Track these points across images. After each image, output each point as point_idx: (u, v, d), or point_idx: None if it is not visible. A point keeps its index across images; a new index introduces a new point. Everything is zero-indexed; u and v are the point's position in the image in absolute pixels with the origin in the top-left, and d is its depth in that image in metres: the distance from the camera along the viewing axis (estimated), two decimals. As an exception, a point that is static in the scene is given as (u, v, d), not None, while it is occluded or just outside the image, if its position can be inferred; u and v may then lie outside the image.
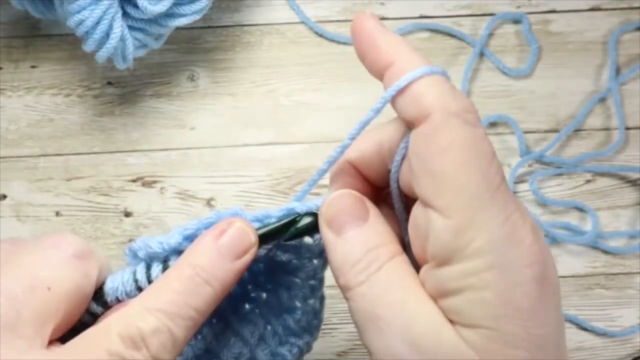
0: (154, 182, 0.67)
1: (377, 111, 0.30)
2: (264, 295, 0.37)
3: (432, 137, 0.28)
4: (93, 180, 0.67)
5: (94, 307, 0.33)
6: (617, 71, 0.69)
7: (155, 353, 0.28)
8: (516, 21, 0.71)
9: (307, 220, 0.32)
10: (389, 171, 0.32)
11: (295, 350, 0.36)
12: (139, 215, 0.66)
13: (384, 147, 0.32)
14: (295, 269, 0.36)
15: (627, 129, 0.68)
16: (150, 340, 0.28)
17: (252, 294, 0.37)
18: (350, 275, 0.30)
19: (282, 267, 0.36)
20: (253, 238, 0.32)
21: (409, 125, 0.29)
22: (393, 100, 0.29)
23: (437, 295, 0.28)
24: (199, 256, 0.31)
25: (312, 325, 0.37)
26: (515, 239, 0.27)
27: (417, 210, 0.30)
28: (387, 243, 0.31)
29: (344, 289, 0.30)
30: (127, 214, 0.66)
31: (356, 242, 0.30)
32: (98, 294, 0.33)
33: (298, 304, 0.36)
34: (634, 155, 0.68)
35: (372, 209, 0.32)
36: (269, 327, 0.37)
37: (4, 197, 0.66)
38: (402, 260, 0.30)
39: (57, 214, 0.66)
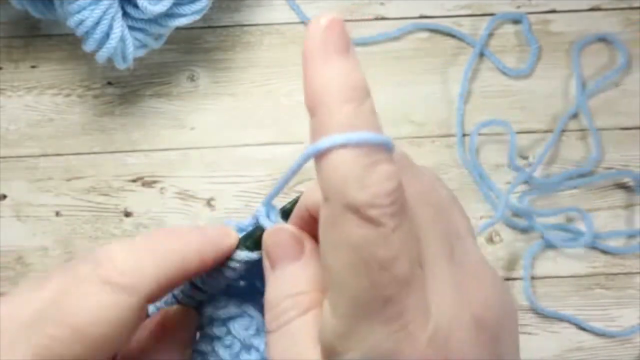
0: (154, 182, 0.67)
1: (293, 172, 0.28)
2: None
3: (328, 226, 0.24)
4: (93, 180, 0.67)
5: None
6: (584, 85, 0.69)
7: None
8: (516, 21, 0.71)
9: None
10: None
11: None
12: (139, 215, 0.66)
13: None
14: None
15: (627, 129, 0.68)
16: None
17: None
18: (268, 317, 0.28)
19: None
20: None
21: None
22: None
23: None
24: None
25: None
26: (396, 356, 0.24)
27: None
28: (310, 291, 0.28)
29: (266, 324, 0.29)
30: (127, 214, 0.66)
31: (282, 282, 0.28)
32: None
33: None
34: (633, 155, 0.68)
35: (309, 249, 0.29)
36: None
37: (4, 197, 0.66)
38: (316, 316, 0.27)
39: (57, 214, 0.66)
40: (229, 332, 0.33)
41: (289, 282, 0.28)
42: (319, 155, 0.23)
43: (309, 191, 0.30)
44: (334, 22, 0.24)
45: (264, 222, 0.31)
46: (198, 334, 0.33)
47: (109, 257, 0.28)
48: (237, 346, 0.32)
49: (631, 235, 0.66)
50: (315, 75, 0.24)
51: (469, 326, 0.25)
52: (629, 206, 0.67)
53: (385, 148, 0.24)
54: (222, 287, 0.33)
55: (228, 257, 0.32)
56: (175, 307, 0.32)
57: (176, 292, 0.33)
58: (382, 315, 0.24)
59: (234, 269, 0.32)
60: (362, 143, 0.23)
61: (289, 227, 0.30)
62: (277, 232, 0.30)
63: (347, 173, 0.23)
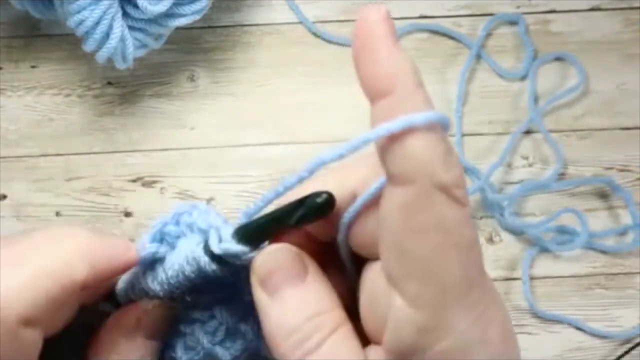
0: (154, 182, 0.67)
1: (353, 149, 0.25)
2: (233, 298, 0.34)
3: (412, 209, 0.23)
4: (93, 180, 0.67)
5: (105, 307, 0.31)
6: (536, 101, 0.69)
7: None
8: (513, 22, 0.71)
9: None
10: (338, 224, 0.27)
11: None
12: (139, 215, 0.66)
13: (339, 195, 0.27)
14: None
15: (627, 129, 0.68)
16: None
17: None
18: (286, 347, 0.25)
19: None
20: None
21: (389, 180, 0.24)
22: (378, 142, 0.24)
23: None
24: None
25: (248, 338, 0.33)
26: (484, 341, 0.24)
27: (376, 280, 0.25)
28: (329, 309, 0.26)
29: (276, 355, 0.26)
30: (127, 214, 0.66)
31: (293, 307, 0.26)
32: (110, 295, 0.32)
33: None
34: (633, 155, 0.68)
35: (312, 266, 0.27)
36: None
37: (4, 197, 0.66)
38: (347, 332, 0.26)
39: (57, 214, 0.66)
40: (212, 316, 0.31)
41: (301, 304, 0.26)
42: (403, 133, 0.22)
43: (292, 193, 0.27)
44: (385, 12, 0.25)
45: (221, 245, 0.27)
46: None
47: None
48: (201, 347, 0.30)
49: (622, 233, 0.65)
50: (388, 58, 0.24)
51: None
52: (610, 208, 0.67)
53: (448, 133, 0.24)
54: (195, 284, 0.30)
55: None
56: (151, 301, 0.30)
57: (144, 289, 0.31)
58: (468, 299, 0.23)
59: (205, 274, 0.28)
60: (442, 124, 0.23)
61: (289, 246, 0.27)
62: (275, 254, 0.27)
63: (437, 152, 0.22)
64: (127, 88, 0.69)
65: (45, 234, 0.28)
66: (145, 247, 0.30)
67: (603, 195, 0.67)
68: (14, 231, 0.65)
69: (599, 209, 0.67)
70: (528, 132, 0.68)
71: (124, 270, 0.29)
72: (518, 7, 0.71)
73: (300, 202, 0.27)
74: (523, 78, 0.69)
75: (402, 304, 0.24)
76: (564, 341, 0.64)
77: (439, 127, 0.23)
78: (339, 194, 0.27)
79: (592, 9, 0.71)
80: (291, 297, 0.26)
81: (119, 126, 0.68)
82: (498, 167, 0.66)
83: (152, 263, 0.30)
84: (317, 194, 0.26)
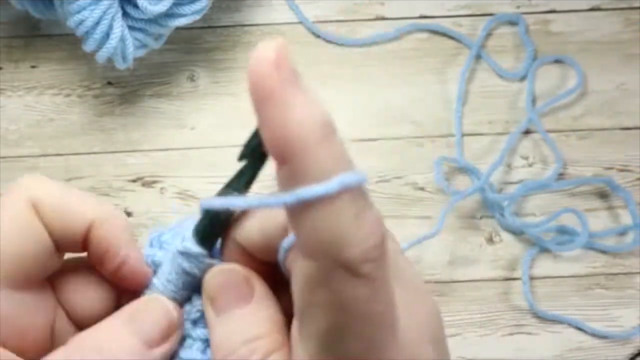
0: (154, 182, 0.67)
1: (259, 205, 0.25)
2: None
3: (311, 284, 0.22)
4: (93, 180, 0.67)
5: None
6: (534, 102, 0.69)
7: None
8: (513, 23, 0.71)
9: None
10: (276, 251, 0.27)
11: None
12: (139, 215, 0.66)
13: (269, 226, 0.27)
14: None
15: (627, 129, 0.68)
16: None
17: None
18: None
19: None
20: (175, 316, 0.28)
21: (296, 246, 0.23)
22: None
23: None
24: (109, 342, 0.26)
25: None
26: None
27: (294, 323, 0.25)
28: (267, 334, 0.26)
29: None
30: (127, 214, 0.66)
31: (235, 328, 0.26)
32: None
33: None
34: (633, 155, 0.68)
35: (259, 289, 0.27)
36: None
37: (4, 197, 0.66)
38: (280, 357, 0.25)
39: (57, 214, 0.66)
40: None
41: (242, 327, 0.26)
42: (303, 206, 0.20)
43: (240, 227, 0.27)
44: (281, 48, 0.21)
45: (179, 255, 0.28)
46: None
47: None
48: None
49: (622, 233, 0.66)
50: (280, 116, 0.20)
51: (427, 344, 0.24)
52: (610, 208, 0.67)
53: (364, 186, 0.21)
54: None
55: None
56: (153, 297, 0.29)
57: (148, 288, 0.30)
58: None
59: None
60: (350, 188, 0.20)
61: (238, 267, 0.27)
62: (224, 273, 0.27)
63: (339, 226, 0.20)
64: (127, 88, 0.69)
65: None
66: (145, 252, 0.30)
67: (603, 195, 0.67)
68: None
69: (599, 209, 0.67)
70: (528, 132, 0.68)
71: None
72: (518, 7, 0.71)
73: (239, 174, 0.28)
74: (522, 79, 0.69)
75: (304, 356, 0.23)
76: (564, 341, 0.64)
77: (348, 189, 0.20)
78: (281, 218, 0.26)
79: (592, 9, 0.71)
80: (234, 319, 0.26)
81: (119, 126, 0.68)
82: (498, 167, 0.66)
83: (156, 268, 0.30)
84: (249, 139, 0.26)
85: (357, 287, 0.20)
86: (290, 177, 0.21)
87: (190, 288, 0.29)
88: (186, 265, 0.28)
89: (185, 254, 0.28)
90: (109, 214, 0.28)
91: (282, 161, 0.21)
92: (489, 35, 0.70)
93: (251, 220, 0.27)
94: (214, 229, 0.28)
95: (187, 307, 0.29)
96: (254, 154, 0.26)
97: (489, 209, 0.66)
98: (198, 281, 0.28)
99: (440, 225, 0.63)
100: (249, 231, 0.27)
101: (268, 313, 0.26)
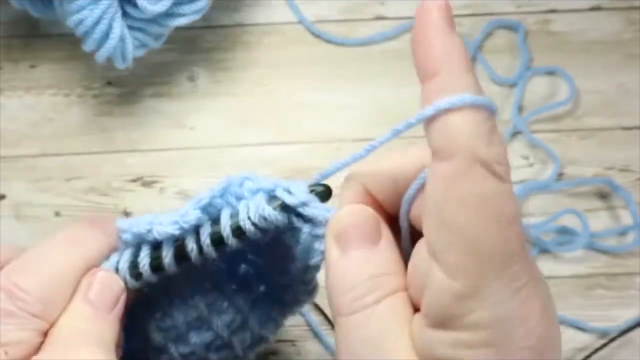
0: (154, 182, 0.67)
1: (398, 133, 0.28)
2: (262, 260, 0.35)
3: (452, 182, 0.24)
4: (93, 180, 0.67)
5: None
6: (520, 110, 0.68)
7: None
8: (514, 28, 0.70)
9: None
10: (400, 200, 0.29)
11: (284, 313, 0.35)
12: (138, 215, 0.66)
13: (400, 177, 0.29)
14: (293, 241, 0.33)
15: (627, 129, 0.68)
16: None
17: (250, 257, 0.36)
18: (345, 299, 0.27)
19: (281, 238, 0.33)
20: (118, 287, 0.31)
21: (433, 155, 0.26)
22: (425, 121, 0.26)
23: (426, 356, 0.25)
24: (75, 315, 0.30)
25: (300, 300, 0.35)
26: (520, 316, 0.24)
27: (420, 251, 0.27)
28: (392, 273, 0.27)
29: (335, 312, 0.27)
30: (127, 214, 0.66)
31: (361, 264, 0.27)
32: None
33: (293, 270, 0.34)
34: (633, 155, 0.68)
35: (386, 233, 0.28)
36: (261, 289, 0.35)
37: (3, 197, 0.66)
38: (403, 298, 0.27)
39: (57, 214, 0.66)
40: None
41: (369, 264, 0.27)
42: (450, 110, 0.24)
43: (363, 173, 0.29)
44: (447, 4, 0.27)
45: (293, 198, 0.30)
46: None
47: (19, 288, 0.29)
48: None
49: (623, 233, 0.65)
50: (441, 42, 0.26)
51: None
52: (611, 208, 0.67)
53: (494, 114, 0.25)
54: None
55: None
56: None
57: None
58: (506, 271, 0.24)
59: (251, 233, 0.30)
60: (487, 107, 0.24)
61: (367, 208, 0.29)
62: (354, 214, 0.28)
63: (479, 129, 0.24)
64: (126, 88, 0.69)
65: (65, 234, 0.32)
66: (190, 212, 0.31)
67: (604, 195, 0.67)
68: (14, 231, 0.65)
69: (599, 209, 0.67)
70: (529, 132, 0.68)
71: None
72: (518, 6, 0.71)
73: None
74: (513, 85, 0.69)
75: (440, 274, 0.24)
76: (564, 341, 0.64)
77: (483, 108, 0.24)
78: (410, 167, 0.29)
79: (592, 9, 0.71)
80: (361, 256, 0.27)
81: (118, 126, 0.68)
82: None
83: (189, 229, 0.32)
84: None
85: (494, 183, 0.24)
86: (438, 88, 0.25)
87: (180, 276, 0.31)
88: (282, 220, 0.30)
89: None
90: None
91: (431, 76, 0.26)
92: (487, 37, 0.70)
93: (384, 169, 0.29)
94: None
95: (191, 312, 0.31)
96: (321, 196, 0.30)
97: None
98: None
99: None
100: (381, 179, 0.29)
101: (395, 256, 0.28)
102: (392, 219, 0.30)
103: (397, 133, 0.28)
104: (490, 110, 0.25)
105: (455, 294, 0.24)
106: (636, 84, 0.69)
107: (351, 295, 0.26)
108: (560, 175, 0.67)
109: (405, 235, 0.29)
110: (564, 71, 0.68)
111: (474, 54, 0.69)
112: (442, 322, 0.25)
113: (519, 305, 0.24)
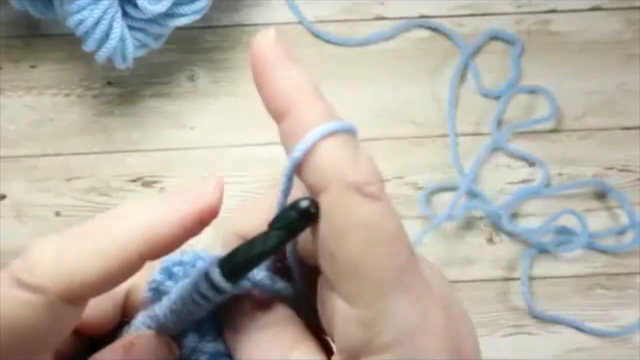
0: (154, 182, 0.67)
1: (287, 190, 0.26)
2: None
3: (331, 215, 0.24)
4: (93, 180, 0.67)
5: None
6: (500, 124, 0.68)
7: None
8: (509, 42, 0.70)
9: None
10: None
11: None
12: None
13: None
14: None
15: (627, 129, 0.68)
16: None
17: None
18: None
19: None
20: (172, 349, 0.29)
21: (312, 192, 0.25)
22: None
23: None
24: None
25: None
26: (425, 324, 0.24)
27: (322, 289, 0.26)
28: (290, 328, 0.27)
29: None
30: (127, 214, 0.66)
31: (257, 341, 0.27)
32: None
33: None
34: (633, 155, 0.68)
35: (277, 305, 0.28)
36: None
37: (4, 197, 0.66)
38: (308, 347, 0.27)
39: (57, 214, 0.66)
40: None
41: (260, 342, 0.27)
42: (312, 148, 0.24)
43: (238, 222, 0.28)
44: (280, 34, 0.26)
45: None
46: None
47: (28, 252, 0.26)
48: None
49: (622, 233, 0.65)
50: (282, 79, 0.26)
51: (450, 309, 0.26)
52: (609, 208, 0.67)
53: (355, 134, 0.25)
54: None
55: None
56: (148, 332, 0.28)
57: (148, 315, 0.29)
58: (401, 286, 0.24)
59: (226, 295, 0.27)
60: (345, 130, 0.25)
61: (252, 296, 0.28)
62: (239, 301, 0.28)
63: (342, 157, 0.24)
64: (126, 88, 0.69)
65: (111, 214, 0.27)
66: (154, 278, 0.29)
67: (602, 196, 0.67)
68: (14, 231, 0.65)
69: (598, 209, 0.67)
70: (529, 132, 0.68)
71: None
72: (518, 6, 0.71)
73: (277, 222, 0.26)
74: (497, 98, 0.69)
75: (343, 305, 0.25)
76: (564, 341, 0.64)
77: (342, 132, 0.24)
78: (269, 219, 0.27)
79: (592, 9, 0.71)
80: (252, 336, 0.27)
81: (118, 126, 0.68)
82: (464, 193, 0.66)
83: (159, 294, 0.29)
84: (299, 201, 0.26)
85: (370, 205, 0.24)
86: (293, 129, 0.25)
87: (187, 321, 0.28)
88: (208, 295, 0.27)
89: (211, 286, 0.27)
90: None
91: (282, 117, 0.26)
92: (484, 45, 0.70)
93: (257, 216, 0.28)
94: (245, 268, 0.27)
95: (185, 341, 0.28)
96: (289, 226, 0.26)
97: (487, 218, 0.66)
98: (199, 314, 0.28)
99: (417, 243, 0.63)
100: (256, 226, 0.27)
101: (283, 328, 0.27)
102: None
103: (286, 191, 0.26)
104: (349, 132, 0.25)
105: (359, 321, 0.24)
106: (636, 84, 0.69)
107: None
108: (559, 175, 0.67)
109: (296, 272, 0.29)
110: (548, 92, 0.68)
111: (466, 61, 0.69)
112: (355, 354, 0.25)
113: (421, 314, 0.24)
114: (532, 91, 0.69)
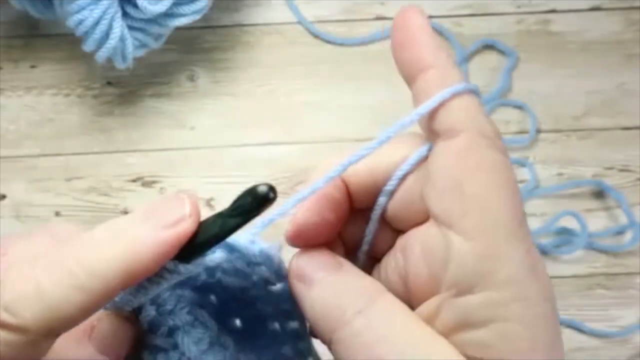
0: (154, 182, 0.67)
1: (411, 122, 0.29)
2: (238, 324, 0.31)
3: (465, 155, 0.26)
4: (93, 180, 0.67)
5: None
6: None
7: None
8: (505, 54, 0.70)
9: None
10: (376, 193, 0.29)
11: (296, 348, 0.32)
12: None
13: (378, 170, 0.29)
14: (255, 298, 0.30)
15: (627, 129, 0.68)
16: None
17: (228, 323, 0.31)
18: (336, 313, 0.26)
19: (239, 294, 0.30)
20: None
21: (434, 138, 0.28)
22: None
23: (457, 328, 0.26)
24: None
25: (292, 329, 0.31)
26: (536, 272, 0.26)
27: (428, 234, 0.27)
28: (371, 281, 0.28)
29: (329, 333, 0.26)
30: (127, 214, 0.66)
31: (334, 283, 0.27)
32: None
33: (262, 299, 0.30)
34: (633, 155, 0.68)
35: (344, 261, 0.28)
36: (237, 323, 0.31)
37: (4, 197, 0.66)
38: (392, 296, 0.27)
39: (57, 214, 0.66)
40: (175, 346, 0.28)
41: (346, 280, 0.27)
42: (456, 95, 0.27)
43: (342, 162, 0.29)
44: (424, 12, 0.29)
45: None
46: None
47: (2, 287, 0.24)
48: None
49: (622, 233, 0.65)
50: (431, 40, 0.28)
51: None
52: (609, 208, 0.67)
53: (480, 96, 0.28)
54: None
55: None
56: (106, 313, 0.28)
57: None
58: (518, 233, 0.26)
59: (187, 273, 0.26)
60: (473, 90, 0.28)
61: (319, 249, 0.29)
62: (308, 256, 0.29)
63: (479, 111, 0.27)
64: (126, 88, 0.69)
65: (84, 239, 0.26)
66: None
67: (602, 195, 0.67)
68: (14, 231, 0.65)
69: (598, 209, 0.67)
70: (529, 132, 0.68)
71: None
72: (518, 6, 0.71)
73: (234, 207, 0.26)
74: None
75: (460, 240, 0.26)
76: (564, 341, 0.64)
77: (476, 94, 0.28)
78: (389, 161, 0.30)
79: (592, 9, 0.71)
80: (331, 279, 0.27)
81: (118, 126, 0.68)
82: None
83: None
84: (257, 186, 0.26)
85: (500, 155, 0.27)
86: (435, 80, 0.28)
87: (145, 297, 0.27)
88: (163, 275, 0.26)
89: (164, 267, 0.26)
90: None
91: (427, 69, 0.28)
92: (479, 51, 0.70)
93: (363, 161, 0.29)
94: (200, 251, 0.26)
95: (173, 354, 0.28)
96: (247, 212, 0.26)
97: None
98: (155, 292, 0.27)
99: None
100: (358, 170, 0.29)
101: (362, 272, 0.28)
102: (356, 214, 0.30)
103: (409, 122, 0.29)
104: (479, 96, 0.28)
105: (478, 255, 0.26)
106: (636, 84, 0.69)
107: (341, 307, 0.26)
108: (559, 175, 0.67)
109: (374, 226, 0.30)
110: (532, 110, 0.68)
111: (459, 66, 0.69)
112: (470, 286, 0.26)
113: (532, 262, 0.26)
114: (517, 106, 0.69)
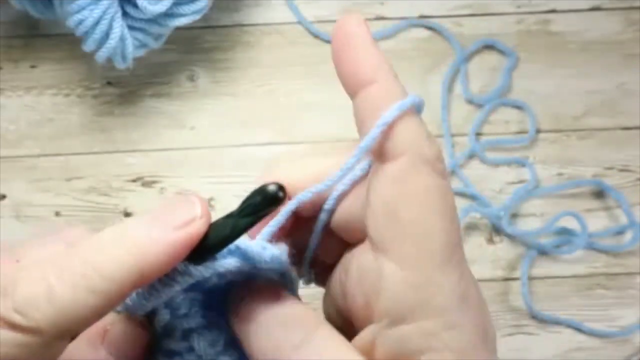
0: (154, 182, 0.67)
1: (364, 150, 0.27)
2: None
3: (402, 180, 0.26)
4: (93, 180, 0.67)
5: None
6: (478, 135, 0.68)
7: None
8: (505, 54, 0.70)
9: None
10: (320, 204, 0.28)
11: None
12: (138, 215, 0.66)
13: (322, 180, 0.29)
14: None
15: (627, 129, 0.68)
16: None
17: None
18: (274, 349, 0.26)
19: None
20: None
21: (374, 156, 0.27)
22: (364, 126, 0.28)
23: (395, 358, 0.25)
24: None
25: None
26: (467, 299, 0.26)
27: (364, 258, 0.27)
28: (306, 312, 0.27)
29: None
30: (127, 214, 0.66)
31: (275, 319, 0.26)
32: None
33: None
34: (633, 155, 0.68)
35: (284, 293, 0.28)
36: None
37: (4, 197, 0.66)
38: (331, 327, 0.26)
39: (57, 214, 0.66)
40: (191, 349, 0.28)
41: (285, 312, 0.27)
42: (398, 117, 0.26)
43: (284, 177, 0.29)
44: (361, 19, 0.28)
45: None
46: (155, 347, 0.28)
47: (13, 289, 0.24)
48: None
49: (621, 233, 0.65)
50: (370, 52, 0.28)
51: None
52: (609, 208, 0.67)
53: (422, 109, 0.27)
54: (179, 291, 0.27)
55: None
56: (119, 316, 0.28)
57: None
58: (452, 260, 0.25)
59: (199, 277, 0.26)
60: (419, 106, 0.27)
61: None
62: (248, 284, 0.28)
63: (421, 132, 0.26)
64: (126, 88, 0.69)
65: (94, 240, 0.26)
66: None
67: (602, 195, 0.67)
68: (14, 231, 0.65)
69: (598, 209, 0.67)
70: (534, 132, 0.68)
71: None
72: (518, 6, 0.71)
73: (244, 206, 0.27)
74: (481, 107, 0.69)
75: (395, 268, 0.25)
76: (564, 341, 0.64)
77: (418, 108, 0.27)
78: (316, 179, 0.29)
79: (592, 9, 0.71)
80: (272, 314, 0.27)
81: (118, 126, 0.68)
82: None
83: None
84: (266, 186, 0.26)
85: (438, 180, 0.26)
86: (377, 97, 0.27)
87: (157, 301, 0.27)
88: (174, 277, 0.26)
89: (176, 268, 0.26)
90: None
91: (368, 84, 0.28)
92: (479, 51, 0.70)
93: (308, 172, 0.30)
94: (211, 251, 0.26)
95: (190, 357, 0.28)
96: (257, 211, 0.27)
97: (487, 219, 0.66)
98: (168, 295, 0.27)
99: None
100: (304, 181, 0.29)
101: (301, 305, 0.28)
102: (302, 221, 0.30)
103: (364, 150, 0.28)
104: (422, 109, 0.27)
105: (411, 284, 0.25)
106: (636, 84, 0.69)
107: (273, 344, 0.26)
108: (559, 175, 0.67)
109: (317, 238, 0.29)
110: (531, 110, 0.68)
111: (459, 65, 0.69)
112: (403, 316, 0.25)
113: (464, 289, 0.26)
114: (517, 106, 0.69)
